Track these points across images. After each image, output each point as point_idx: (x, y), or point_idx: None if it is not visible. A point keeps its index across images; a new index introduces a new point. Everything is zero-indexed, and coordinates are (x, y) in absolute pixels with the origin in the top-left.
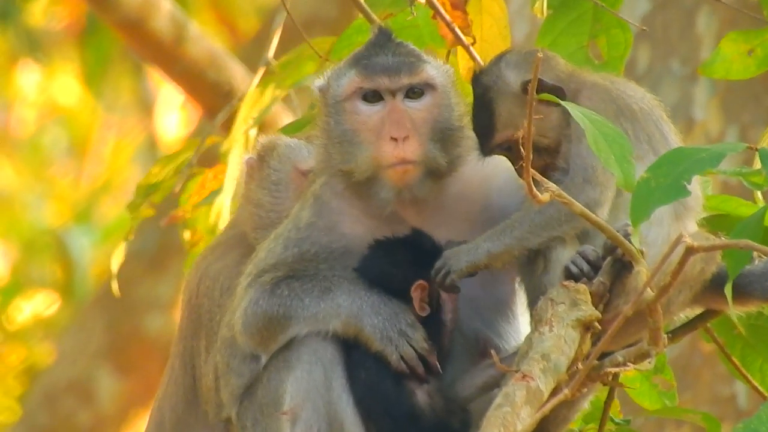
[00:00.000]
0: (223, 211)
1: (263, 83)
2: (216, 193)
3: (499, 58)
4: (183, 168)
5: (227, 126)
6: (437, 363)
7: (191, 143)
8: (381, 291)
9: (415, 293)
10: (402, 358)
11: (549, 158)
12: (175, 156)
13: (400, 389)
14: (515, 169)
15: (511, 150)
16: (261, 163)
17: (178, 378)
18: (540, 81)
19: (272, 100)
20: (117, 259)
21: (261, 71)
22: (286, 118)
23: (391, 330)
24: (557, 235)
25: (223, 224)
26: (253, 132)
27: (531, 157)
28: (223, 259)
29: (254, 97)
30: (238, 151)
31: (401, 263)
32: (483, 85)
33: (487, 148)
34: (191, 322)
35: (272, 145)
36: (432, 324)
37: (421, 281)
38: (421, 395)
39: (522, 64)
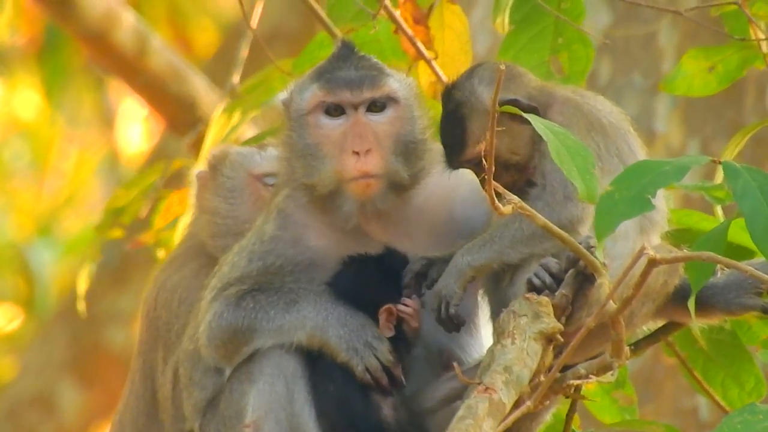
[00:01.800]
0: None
1: (230, 107)
2: (182, 218)
3: (472, 72)
4: (150, 191)
5: (195, 147)
6: (402, 375)
7: (157, 167)
8: (348, 305)
9: (382, 316)
10: (367, 369)
11: (518, 175)
12: (141, 178)
13: (366, 402)
14: (480, 181)
15: (479, 165)
16: (214, 172)
17: (138, 391)
18: (516, 101)
19: (239, 123)
20: (83, 281)
21: (226, 95)
22: None
23: (357, 341)
24: (538, 252)
25: None
26: None
27: (493, 169)
28: (181, 270)
29: (222, 121)
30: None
31: (372, 282)
32: (455, 101)
33: (455, 162)
34: (149, 336)
35: (223, 155)
36: (397, 341)
37: (389, 306)
38: (387, 408)
39: (495, 81)
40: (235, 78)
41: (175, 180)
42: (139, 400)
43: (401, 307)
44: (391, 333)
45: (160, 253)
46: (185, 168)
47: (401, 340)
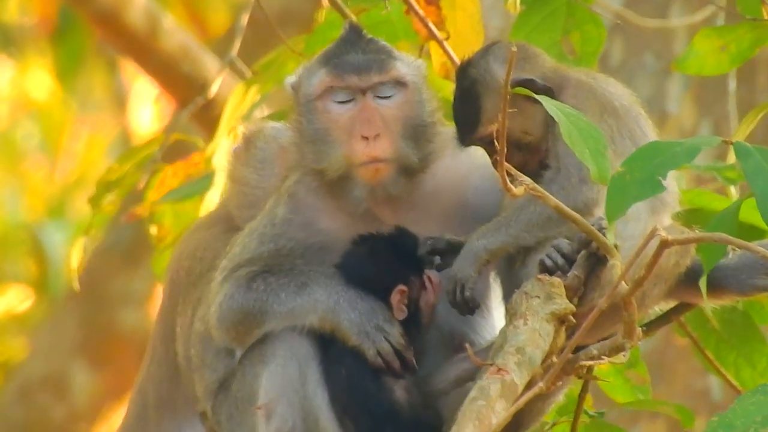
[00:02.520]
0: (210, 208)
1: (247, 84)
2: (177, 190)
3: (487, 51)
4: (146, 163)
5: (197, 120)
6: (413, 359)
7: (154, 140)
8: (358, 287)
9: (395, 298)
10: (379, 353)
11: (530, 155)
12: (137, 151)
13: (379, 385)
14: (492, 161)
15: (491, 144)
16: (247, 145)
17: (160, 357)
18: (532, 81)
19: (255, 102)
20: (76, 256)
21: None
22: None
23: (368, 325)
24: (553, 235)
25: None
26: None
27: (506, 150)
28: (207, 230)
29: (237, 99)
30: (222, 152)
31: (383, 262)
32: (470, 78)
33: (467, 140)
34: (172, 298)
35: (258, 129)
36: (409, 323)
37: (401, 286)
38: (399, 391)
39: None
40: (234, 51)
41: (174, 153)
42: (161, 366)
43: (425, 280)
44: (404, 315)
45: (153, 230)
46: (184, 141)
47: (413, 323)
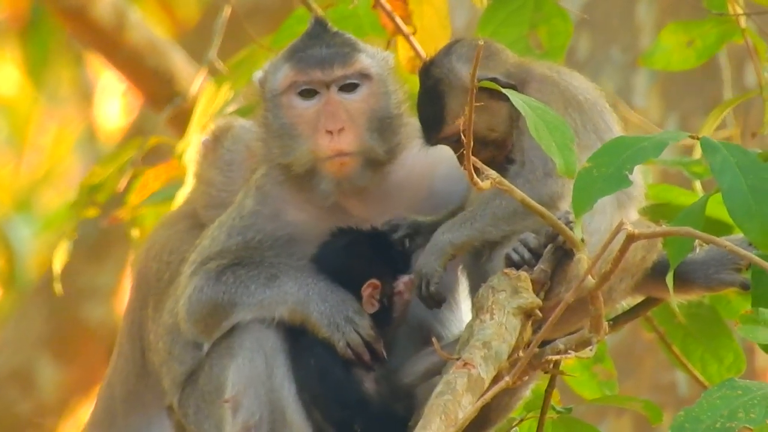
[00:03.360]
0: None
1: (217, 82)
2: (159, 193)
3: (450, 49)
4: (126, 167)
5: (173, 122)
6: (383, 350)
7: (133, 143)
8: (329, 279)
9: (366, 291)
10: (348, 344)
11: (496, 151)
12: (118, 155)
13: (348, 376)
14: (457, 157)
15: (457, 142)
16: (215, 143)
17: (126, 353)
18: (495, 79)
19: (226, 100)
20: (59, 259)
21: (205, 70)
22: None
23: (338, 317)
24: (519, 229)
25: None
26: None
27: (471, 144)
28: (174, 227)
29: (209, 97)
30: (193, 152)
31: (358, 256)
32: (433, 78)
33: (433, 139)
34: (139, 293)
35: (227, 127)
36: (379, 317)
37: (373, 280)
38: (369, 382)
39: (473, 59)
40: (213, 52)
41: (152, 156)
42: (128, 361)
43: (398, 282)
44: (374, 309)
45: (135, 233)
46: (162, 144)
47: (384, 317)
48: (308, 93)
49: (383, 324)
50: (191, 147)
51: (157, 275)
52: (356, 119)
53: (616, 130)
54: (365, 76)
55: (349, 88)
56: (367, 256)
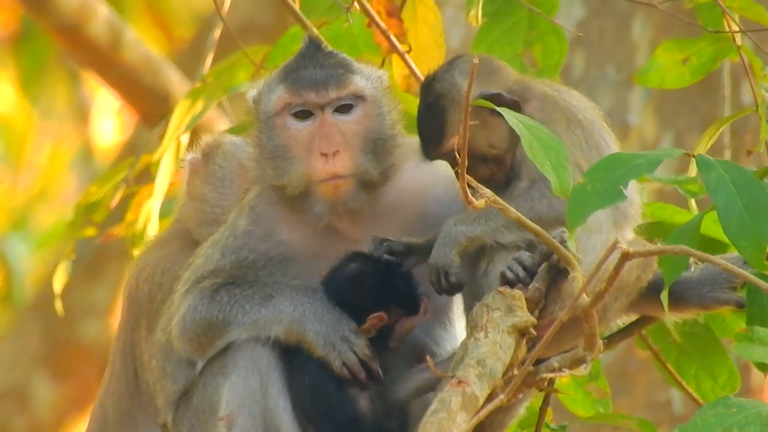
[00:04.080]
0: (152, 216)
1: (194, 93)
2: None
3: (452, 65)
4: (119, 184)
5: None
6: (379, 370)
7: (127, 162)
8: (325, 299)
9: (372, 321)
10: (344, 364)
11: (496, 168)
12: (112, 174)
13: (343, 394)
14: (456, 173)
15: (456, 158)
16: (206, 160)
17: (119, 373)
18: (499, 95)
19: (204, 108)
20: (59, 280)
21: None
22: (222, 124)
23: (334, 336)
24: (530, 237)
25: (152, 230)
26: (185, 139)
27: (471, 163)
28: (165, 248)
29: (186, 106)
30: (169, 158)
31: (368, 287)
32: (435, 92)
33: (432, 154)
34: (131, 314)
35: (217, 143)
36: (378, 343)
37: (380, 313)
38: (363, 400)
39: (476, 75)
40: (205, 68)
41: (146, 174)
42: (121, 381)
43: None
44: (371, 335)
45: (135, 251)
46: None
47: (382, 342)
48: (302, 114)
49: (380, 349)
50: (165, 158)
51: (149, 296)
52: (351, 141)
53: (615, 148)
54: (360, 97)
55: (343, 109)
56: (376, 288)
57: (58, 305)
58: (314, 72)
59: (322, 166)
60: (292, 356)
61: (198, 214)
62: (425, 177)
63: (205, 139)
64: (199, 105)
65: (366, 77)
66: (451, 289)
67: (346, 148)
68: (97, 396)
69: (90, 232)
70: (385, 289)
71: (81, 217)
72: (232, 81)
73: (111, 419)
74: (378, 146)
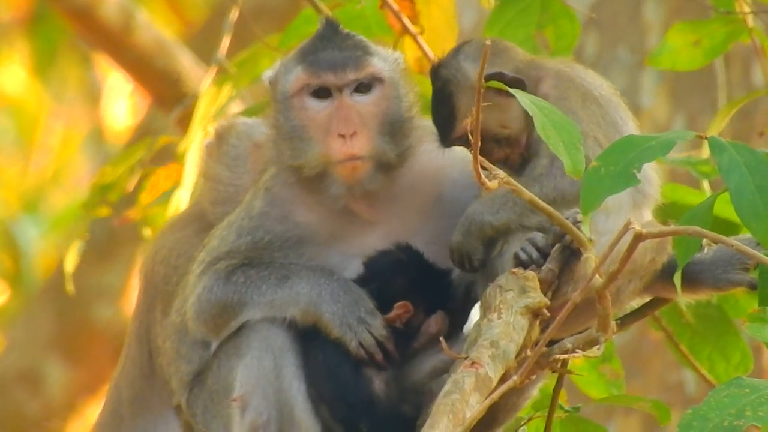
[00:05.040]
0: (180, 206)
1: (219, 81)
2: (169, 193)
3: (458, 50)
4: (135, 167)
5: (181, 123)
6: (395, 350)
7: (143, 143)
8: (342, 280)
9: (398, 308)
10: (361, 344)
11: (510, 149)
12: (128, 155)
13: (358, 375)
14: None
15: (469, 142)
16: (219, 141)
17: (134, 355)
18: (501, 74)
19: (229, 98)
20: (71, 260)
21: (214, 69)
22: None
23: (351, 317)
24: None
25: None
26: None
27: (485, 145)
28: (181, 231)
29: (211, 96)
30: (196, 146)
31: (405, 276)
32: (442, 79)
33: (447, 140)
34: (147, 296)
35: (230, 125)
36: (400, 340)
37: (406, 302)
38: (379, 383)
39: (481, 57)
40: (222, 51)
41: (162, 156)
42: (135, 364)
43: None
44: (395, 324)
45: (147, 232)
46: (172, 144)
47: (404, 340)
48: (321, 95)
49: (400, 346)
50: (193, 148)
51: (164, 279)
52: (368, 123)
53: (631, 126)
54: (378, 79)
55: (361, 90)
56: (414, 280)
57: (70, 286)
58: (333, 53)
59: (340, 147)
60: (309, 336)
61: (212, 194)
62: (441, 159)
63: (219, 122)
64: (224, 95)
65: (383, 59)
66: (473, 270)
67: (364, 129)
68: (112, 377)
69: (104, 212)
70: (421, 283)
71: (96, 197)
72: (255, 70)
73: (125, 401)
74: (395, 128)
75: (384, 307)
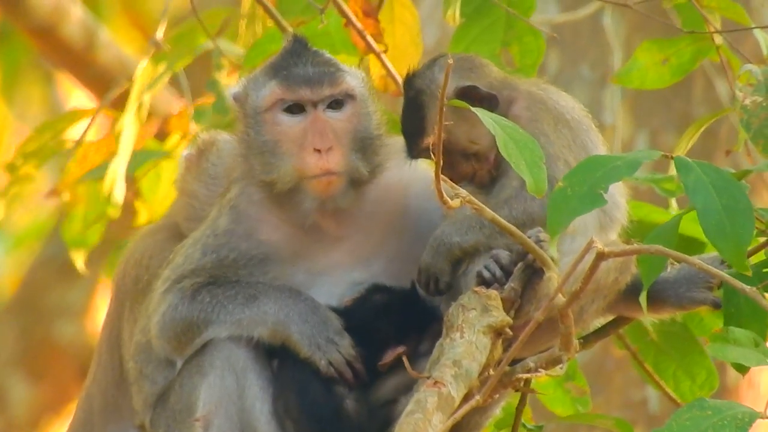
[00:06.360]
0: (117, 177)
1: (155, 58)
2: (101, 167)
3: (433, 62)
4: (61, 137)
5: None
6: (363, 369)
7: (72, 114)
8: (310, 300)
9: (391, 352)
10: (330, 363)
11: (478, 164)
12: (57, 122)
13: (329, 392)
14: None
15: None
16: (200, 157)
17: (105, 362)
18: (475, 88)
19: (165, 71)
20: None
21: (151, 49)
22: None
23: (319, 337)
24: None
25: (118, 192)
26: (146, 99)
27: (453, 160)
28: (153, 236)
29: (148, 70)
30: (131, 118)
31: (390, 320)
32: (415, 88)
33: (415, 150)
34: (118, 303)
35: (212, 141)
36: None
37: (402, 348)
38: (350, 400)
39: (456, 70)
40: (159, 33)
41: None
42: (107, 372)
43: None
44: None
45: (65, 197)
46: (102, 121)
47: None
48: (293, 110)
49: (367, 364)
50: (128, 121)
51: (135, 280)
52: (342, 139)
53: (601, 149)
54: (350, 96)
55: (335, 107)
56: (395, 319)
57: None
58: (306, 69)
59: (315, 161)
60: (278, 354)
61: (187, 210)
62: (406, 174)
63: (202, 135)
64: (161, 68)
65: (354, 76)
66: (439, 293)
67: (339, 145)
68: (83, 386)
69: (29, 178)
70: (401, 318)
71: (20, 160)
72: (191, 46)
73: (96, 410)
74: (366, 144)
75: (371, 350)
